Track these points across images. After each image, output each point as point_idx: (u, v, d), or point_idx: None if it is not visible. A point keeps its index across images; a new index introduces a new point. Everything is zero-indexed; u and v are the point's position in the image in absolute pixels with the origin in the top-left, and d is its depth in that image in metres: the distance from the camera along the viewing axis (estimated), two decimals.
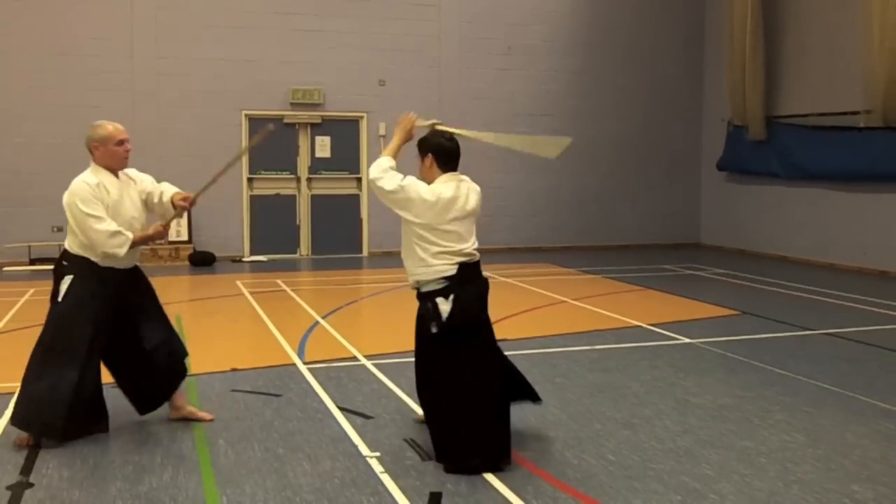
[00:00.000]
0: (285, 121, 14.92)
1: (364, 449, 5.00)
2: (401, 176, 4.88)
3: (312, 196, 15.28)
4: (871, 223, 13.32)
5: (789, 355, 7.48)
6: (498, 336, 5.18)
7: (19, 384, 5.13)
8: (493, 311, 5.12)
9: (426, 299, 4.87)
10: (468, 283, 4.87)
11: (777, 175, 14.95)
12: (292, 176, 15.17)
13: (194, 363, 7.09)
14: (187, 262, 14.04)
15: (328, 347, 7.76)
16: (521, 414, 5.65)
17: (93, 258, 5.14)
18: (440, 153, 5.00)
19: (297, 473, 4.64)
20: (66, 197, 5.11)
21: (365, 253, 15.41)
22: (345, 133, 15.28)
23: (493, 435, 4.75)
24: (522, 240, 16.03)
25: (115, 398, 5.84)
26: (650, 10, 16.70)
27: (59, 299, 5.13)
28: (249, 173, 14.85)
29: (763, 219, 15.54)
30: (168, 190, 5.48)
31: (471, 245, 4.95)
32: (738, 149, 15.74)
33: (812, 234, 14.40)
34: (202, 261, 13.97)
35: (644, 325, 8.80)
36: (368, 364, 7.09)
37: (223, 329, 8.87)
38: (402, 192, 4.83)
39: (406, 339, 7.04)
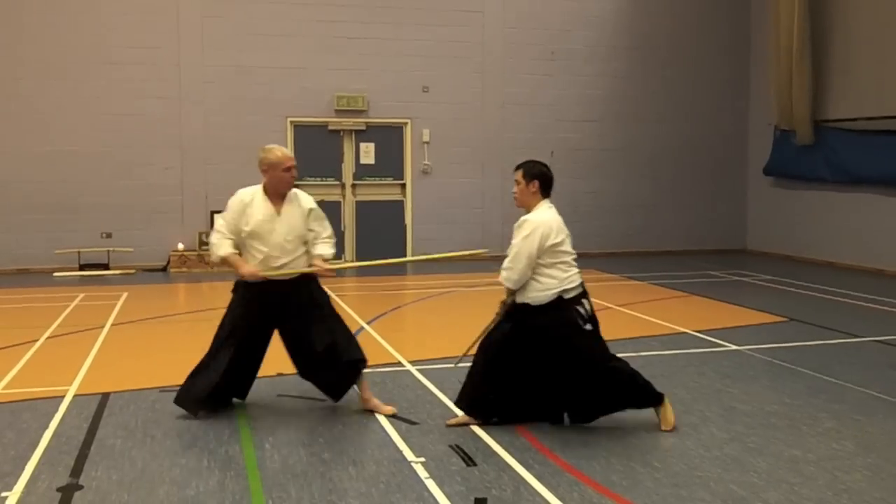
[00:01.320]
0: (330, 127, 15.04)
1: (409, 454, 5.02)
2: (514, 274, 5.35)
3: (357, 202, 15.37)
4: None
5: (837, 362, 7.37)
6: None
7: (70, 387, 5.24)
8: None
9: (572, 304, 5.32)
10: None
11: (825, 180, 14.73)
12: (337, 182, 15.27)
13: None
14: None
15: (373, 353, 7.74)
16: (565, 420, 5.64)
17: None
18: (545, 181, 5.56)
19: (342, 478, 4.67)
20: None
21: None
22: (389, 139, 15.35)
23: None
24: None
25: (169, 403, 5.95)
26: (694, 14, 16.55)
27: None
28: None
29: (810, 224, 15.31)
30: (318, 249, 6.13)
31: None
32: (785, 153, 15.53)
33: (860, 240, 14.16)
34: None
35: (690, 332, 8.72)
36: (413, 370, 7.13)
37: None
38: (525, 268, 5.35)
39: (450, 345, 7.08)
